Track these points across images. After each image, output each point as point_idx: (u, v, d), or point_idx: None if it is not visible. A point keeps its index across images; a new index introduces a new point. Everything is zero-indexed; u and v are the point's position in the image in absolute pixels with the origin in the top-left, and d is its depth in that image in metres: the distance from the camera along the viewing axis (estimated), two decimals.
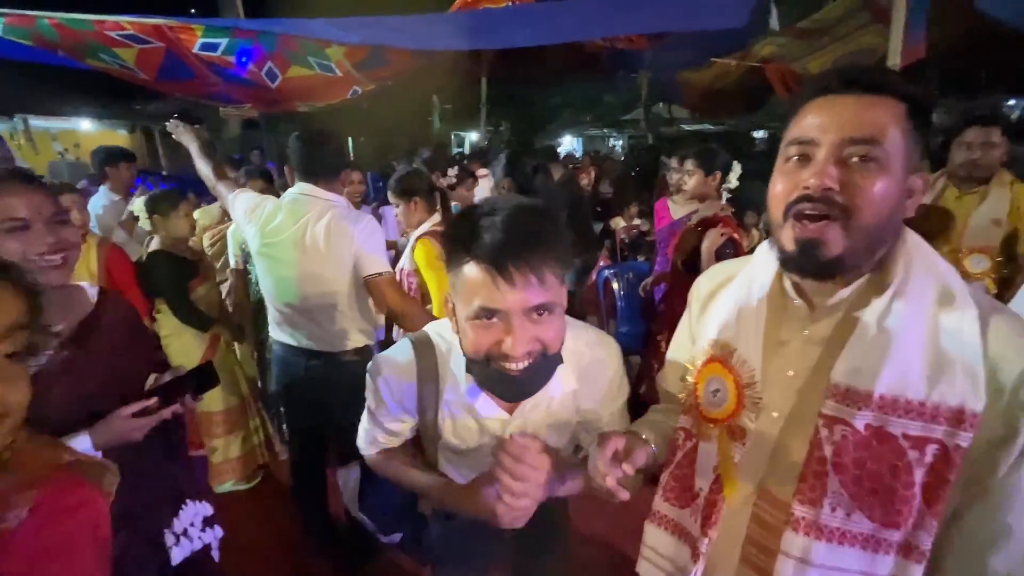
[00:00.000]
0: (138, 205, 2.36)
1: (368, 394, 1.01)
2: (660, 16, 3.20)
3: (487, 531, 1.10)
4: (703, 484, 0.78)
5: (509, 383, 0.79)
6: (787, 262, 0.70)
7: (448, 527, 1.21)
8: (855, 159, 0.63)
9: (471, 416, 0.95)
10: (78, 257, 1.13)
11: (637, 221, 4.22)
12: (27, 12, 3.02)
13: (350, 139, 13.74)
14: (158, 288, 2.30)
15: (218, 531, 1.31)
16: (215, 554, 1.31)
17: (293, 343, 1.90)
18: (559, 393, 0.92)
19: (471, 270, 0.75)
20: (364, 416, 1.06)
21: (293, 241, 1.80)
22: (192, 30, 3.16)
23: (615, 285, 3.27)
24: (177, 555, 1.20)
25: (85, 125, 8.83)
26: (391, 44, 3.35)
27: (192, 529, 1.25)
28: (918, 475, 0.63)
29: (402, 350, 0.97)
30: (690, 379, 0.81)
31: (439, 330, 0.98)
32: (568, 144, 16.38)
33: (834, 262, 0.65)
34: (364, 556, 2.14)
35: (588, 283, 3.95)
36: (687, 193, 2.47)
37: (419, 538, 1.23)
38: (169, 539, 1.20)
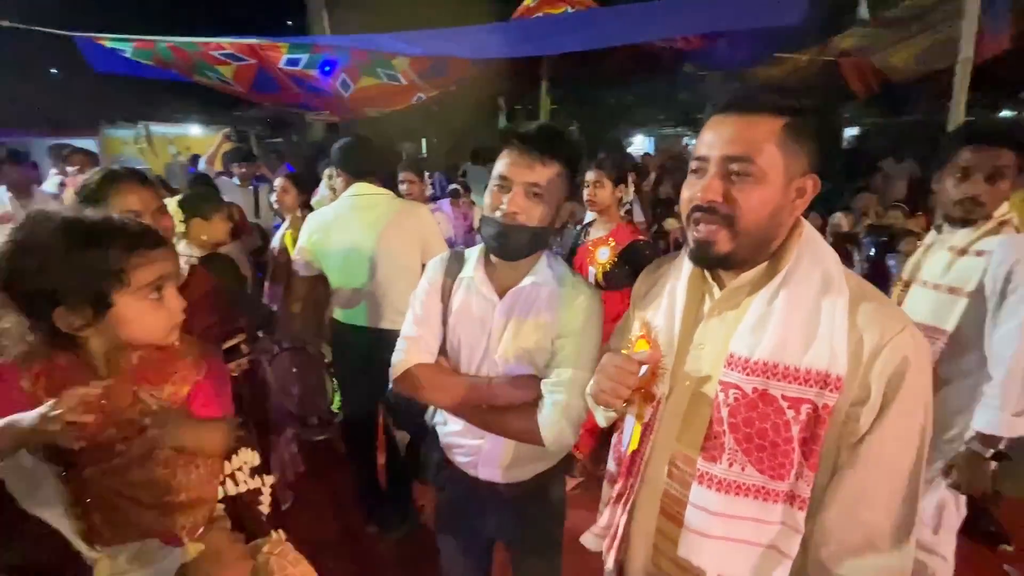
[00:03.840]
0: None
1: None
2: (713, 16, 3.23)
3: (483, 499, 1.29)
4: (626, 442, 0.92)
5: (498, 227, 1.12)
6: (691, 256, 0.85)
7: (447, 496, 1.40)
8: (734, 175, 0.75)
9: (472, 290, 1.24)
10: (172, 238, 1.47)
11: None
12: (149, 38, 3.59)
13: (423, 140, 14.42)
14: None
15: (268, 479, 1.56)
16: (264, 499, 1.55)
17: (355, 322, 2.21)
18: (538, 302, 1.18)
19: (504, 153, 1.12)
20: (405, 326, 1.32)
21: (357, 233, 2.11)
22: (278, 48, 3.60)
23: None
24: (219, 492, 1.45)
25: (194, 130, 10.00)
26: (451, 54, 3.61)
27: (239, 473, 1.48)
28: (795, 431, 0.74)
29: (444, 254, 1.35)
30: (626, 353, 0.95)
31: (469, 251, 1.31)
32: (639, 144, 16.13)
33: (724, 258, 0.79)
34: (401, 518, 2.41)
35: None
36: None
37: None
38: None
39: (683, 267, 0.90)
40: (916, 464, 0.74)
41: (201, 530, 0.75)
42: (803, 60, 5.19)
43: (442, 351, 1.29)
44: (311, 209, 2.84)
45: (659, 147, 15.22)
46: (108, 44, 3.59)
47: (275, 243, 2.99)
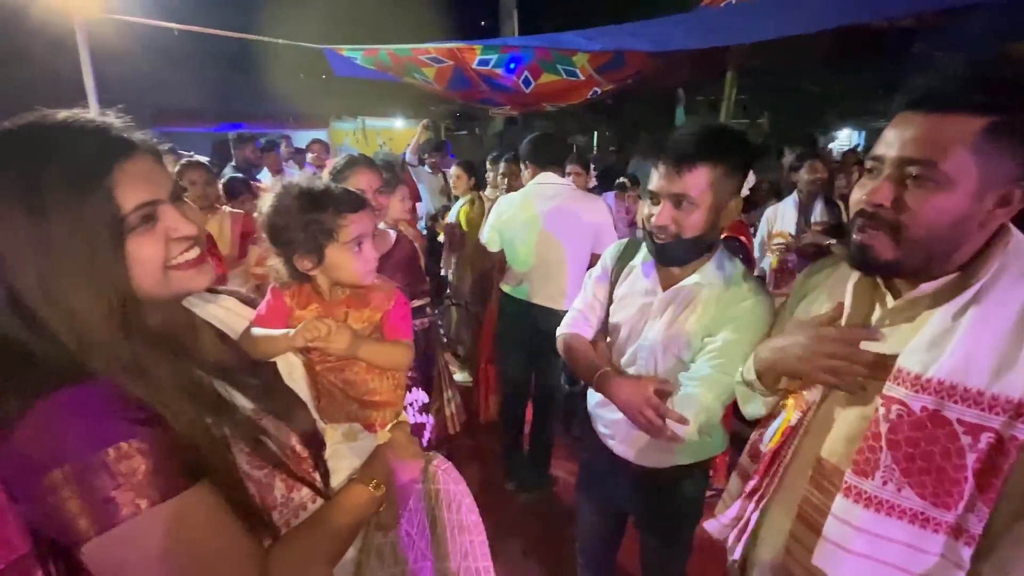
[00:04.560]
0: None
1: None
2: None
3: (617, 473, 1.36)
4: (767, 439, 0.90)
5: (650, 241, 1.18)
6: (851, 261, 0.81)
7: (587, 460, 1.50)
8: (910, 178, 0.69)
9: (638, 279, 1.30)
10: (386, 214, 1.84)
11: None
12: (373, 46, 4.27)
13: (595, 133, 14.48)
14: None
15: (430, 419, 1.84)
16: (427, 435, 1.83)
17: (522, 296, 2.45)
18: (696, 300, 1.19)
19: (656, 165, 1.13)
20: (576, 300, 1.46)
21: (539, 219, 2.35)
22: (473, 50, 3.99)
23: None
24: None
25: (398, 124, 11.50)
26: (630, 48, 3.61)
27: (410, 408, 1.76)
28: (970, 459, 0.67)
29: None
30: None
31: None
32: (844, 138, 14.03)
33: (887, 265, 0.75)
34: (538, 480, 2.64)
35: None
36: None
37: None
38: None
39: (851, 271, 0.85)
40: None
41: (390, 425, 0.97)
42: None
43: (605, 330, 1.39)
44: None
45: (870, 143, 13.05)
46: (345, 53, 4.36)
47: (451, 218, 3.56)
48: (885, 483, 0.74)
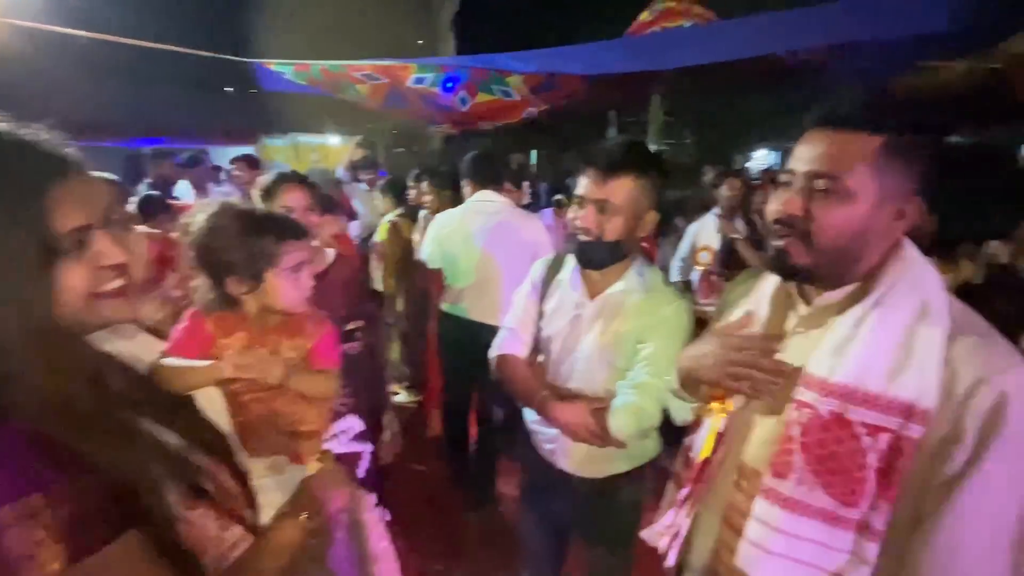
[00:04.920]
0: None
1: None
2: (846, 25, 3.02)
3: (560, 488, 1.38)
4: (698, 448, 0.94)
5: (574, 242, 1.23)
6: (769, 265, 0.86)
7: (528, 479, 1.50)
8: (818, 191, 0.75)
9: (566, 291, 1.34)
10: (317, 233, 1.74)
11: None
12: (305, 61, 4.17)
13: (534, 152, 14.78)
14: None
15: (368, 446, 1.78)
16: (363, 464, 1.76)
17: (461, 314, 2.44)
18: (624, 307, 1.24)
19: (582, 173, 1.20)
20: (507, 318, 1.47)
21: (475, 234, 2.36)
22: (408, 68, 4.00)
23: None
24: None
25: (332, 140, 11.25)
26: (563, 71, 3.74)
27: (343, 436, 1.70)
28: (871, 459, 0.72)
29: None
30: None
31: None
32: (762, 158, 15.11)
33: (802, 270, 0.79)
34: (484, 497, 2.61)
35: None
36: None
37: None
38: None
39: (768, 281, 0.90)
40: (1021, 517, 0.67)
41: (318, 455, 0.93)
42: (959, 69, 4.60)
43: (537, 345, 1.41)
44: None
45: (784, 161, 14.10)
46: (274, 67, 4.23)
47: (376, 237, 3.50)
48: (799, 484, 0.78)
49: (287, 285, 0.91)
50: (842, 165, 0.74)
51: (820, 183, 0.75)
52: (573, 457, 1.34)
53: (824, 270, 0.79)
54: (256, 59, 4.24)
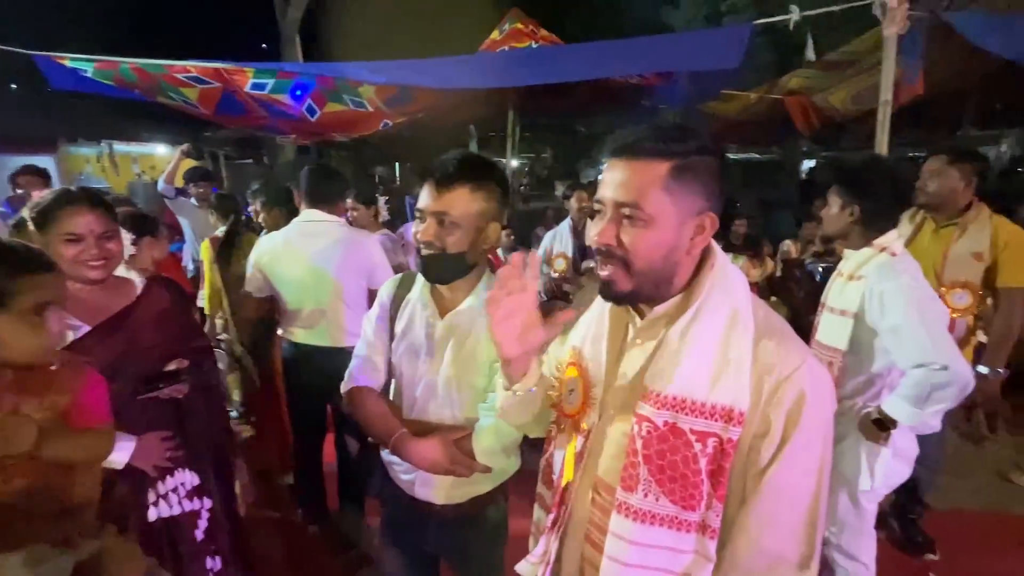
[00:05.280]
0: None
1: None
2: (662, 58, 3.41)
3: (422, 519, 1.30)
4: (558, 470, 0.94)
5: (417, 255, 1.20)
6: (600, 293, 0.88)
7: (388, 513, 1.40)
8: (625, 219, 0.79)
9: (416, 311, 1.28)
10: (119, 262, 1.45)
11: None
12: (112, 58, 3.56)
13: (397, 164, 14.48)
14: None
15: (207, 502, 1.52)
16: (202, 523, 1.49)
17: (302, 341, 2.27)
18: (476, 324, 1.20)
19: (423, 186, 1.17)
20: (357, 346, 1.37)
21: (304, 260, 2.18)
22: (244, 72, 3.61)
23: None
24: (152, 514, 1.38)
25: (160, 150, 9.84)
26: (415, 84, 3.68)
27: (173, 495, 1.42)
28: (703, 463, 0.77)
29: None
30: (556, 377, 0.97)
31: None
32: None
33: (627, 295, 0.83)
34: (354, 540, 2.41)
35: None
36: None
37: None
38: (150, 497, 1.38)
39: None
40: (816, 494, 0.76)
41: (94, 532, 0.75)
42: (752, 98, 5.48)
43: (391, 370, 1.32)
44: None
45: None
46: (69, 63, 3.54)
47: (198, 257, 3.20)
48: (646, 495, 0.80)
49: (25, 331, 0.72)
50: (640, 193, 0.77)
51: (625, 211, 0.78)
52: (435, 485, 1.28)
53: (646, 292, 0.83)
54: (42, 52, 3.51)
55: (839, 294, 1.71)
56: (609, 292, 0.83)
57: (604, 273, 0.82)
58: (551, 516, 0.94)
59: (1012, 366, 2.20)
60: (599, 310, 0.94)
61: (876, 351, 1.63)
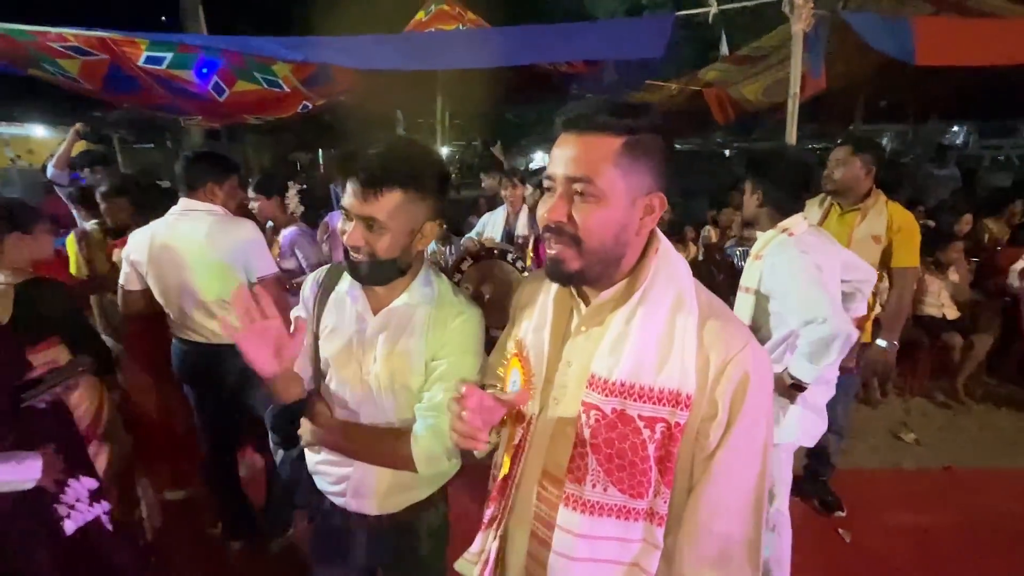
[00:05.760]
0: None
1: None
2: (588, 45, 3.42)
3: (356, 532, 1.22)
4: (497, 464, 0.90)
5: (346, 260, 1.09)
6: (547, 273, 0.85)
7: (318, 527, 1.31)
8: (577, 195, 0.76)
9: (345, 306, 1.18)
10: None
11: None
12: None
13: (320, 151, 13.75)
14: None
15: (105, 505, 1.45)
16: (106, 525, 1.43)
17: (188, 337, 2.13)
18: (412, 322, 1.13)
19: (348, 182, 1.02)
20: None
21: (176, 251, 2.04)
22: (136, 44, 3.21)
23: None
24: (70, 526, 1.35)
25: (39, 131, 8.66)
26: (335, 63, 3.45)
27: (80, 504, 1.38)
28: (651, 450, 0.75)
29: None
30: (500, 372, 0.93)
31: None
32: (539, 160, 16.64)
33: (575, 275, 0.80)
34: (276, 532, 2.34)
35: None
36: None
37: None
38: (62, 511, 1.35)
39: (551, 283, 0.89)
40: (761, 475, 0.77)
41: None
42: (674, 88, 5.70)
43: (318, 370, 1.21)
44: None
45: None
46: None
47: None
48: (595, 485, 0.78)
49: None
50: (593, 167, 0.74)
51: (578, 187, 0.75)
52: (369, 495, 1.19)
53: (595, 272, 0.80)
54: None
55: (746, 273, 1.84)
56: (558, 271, 0.80)
57: (553, 252, 0.79)
58: (488, 511, 0.90)
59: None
60: (542, 299, 0.91)
61: (773, 320, 1.77)
